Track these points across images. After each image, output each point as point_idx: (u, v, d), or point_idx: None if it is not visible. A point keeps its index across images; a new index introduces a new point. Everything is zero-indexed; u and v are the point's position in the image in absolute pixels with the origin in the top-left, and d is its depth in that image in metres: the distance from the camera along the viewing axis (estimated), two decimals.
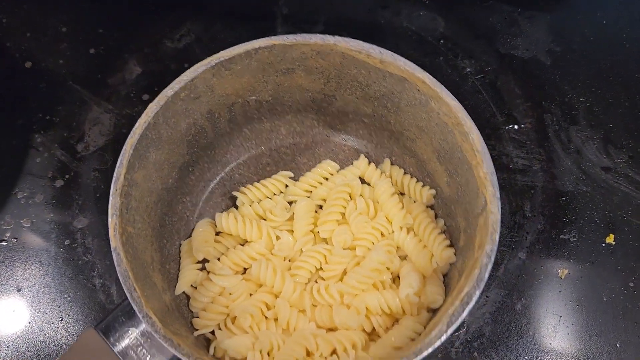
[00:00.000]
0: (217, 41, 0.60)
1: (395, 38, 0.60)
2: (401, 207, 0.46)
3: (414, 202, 0.47)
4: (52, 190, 0.52)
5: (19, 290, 0.48)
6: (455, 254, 0.43)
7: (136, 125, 0.38)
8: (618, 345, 0.46)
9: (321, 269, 0.45)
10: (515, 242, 0.49)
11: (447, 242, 0.44)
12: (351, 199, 0.47)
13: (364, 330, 0.42)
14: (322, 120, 0.51)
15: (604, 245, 0.49)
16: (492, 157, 0.50)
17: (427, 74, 0.40)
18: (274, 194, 0.49)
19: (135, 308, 0.34)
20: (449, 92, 0.39)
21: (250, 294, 0.44)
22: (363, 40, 0.55)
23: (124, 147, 0.38)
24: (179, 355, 0.34)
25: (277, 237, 0.46)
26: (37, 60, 0.58)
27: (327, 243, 0.47)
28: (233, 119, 0.48)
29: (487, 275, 0.34)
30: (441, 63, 0.58)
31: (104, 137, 0.54)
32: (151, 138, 0.40)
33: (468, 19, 0.61)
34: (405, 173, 0.49)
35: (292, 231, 0.46)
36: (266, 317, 0.43)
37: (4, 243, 0.50)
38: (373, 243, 0.45)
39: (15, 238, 0.50)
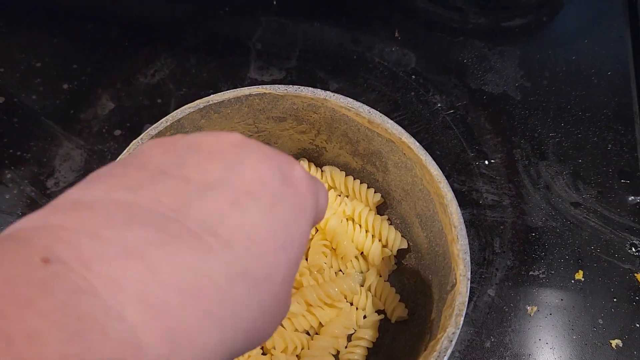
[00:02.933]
0: (190, 76, 0.60)
1: (368, 73, 0.60)
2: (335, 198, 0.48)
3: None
4: None
5: None
6: (425, 326, 0.42)
7: (115, 162, 0.38)
8: None
9: None
10: (484, 279, 0.49)
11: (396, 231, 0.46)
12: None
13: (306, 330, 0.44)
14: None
15: (573, 281, 0.49)
16: (462, 192, 0.52)
17: (414, 139, 0.40)
18: None
19: None
20: (433, 160, 0.40)
21: None
22: (335, 77, 0.56)
23: None
24: None
25: None
26: (10, 95, 0.58)
27: None
28: None
29: (445, 359, 0.33)
30: (412, 98, 0.58)
31: (74, 172, 0.54)
32: None
33: (439, 54, 0.62)
34: (347, 175, 0.49)
35: None
36: None
37: None
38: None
39: None
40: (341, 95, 0.42)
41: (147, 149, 0.20)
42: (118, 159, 0.39)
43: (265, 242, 0.18)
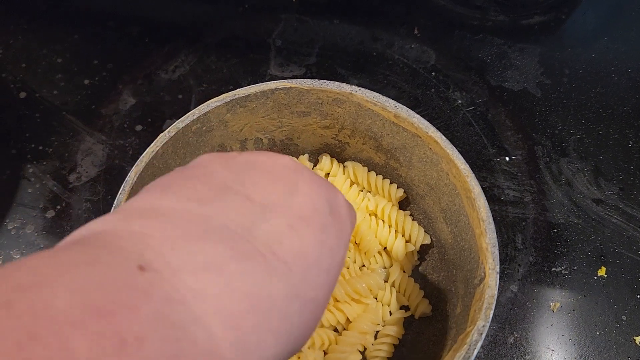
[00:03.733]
0: (211, 72, 0.60)
1: (388, 69, 0.60)
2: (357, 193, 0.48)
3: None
4: (43, 221, 0.52)
5: None
6: (449, 321, 0.43)
7: (143, 154, 0.38)
8: None
9: None
10: (507, 275, 0.49)
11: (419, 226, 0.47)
12: None
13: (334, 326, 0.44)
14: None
15: (595, 277, 0.49)
16: (483, 189, 0.51)
17: (440, 133, 0.40)
18: None
19: None
20: (459, 154, 0.39)
21: None
22: (355, 73, 0.56)
23: (129, 175, 0.37)
24: None
25: None
26: (32, 90, 0.59)
27: None
28: None
29: (475, 353, 0.33)
30: (433, 95, 0.58)
31: (96, 167, 0.54)
32: (157, 167, 0.40)
33: (459, 51, 0.62)
34: (369, 171, 0.49)
35: None
36: None
37: None
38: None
39: None
40: (367, 90, 0.42)
41: (209, 162, 0.22)
42: (144, 153, 0.39)
43: (315, 265, 0.19)
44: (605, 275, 0.49)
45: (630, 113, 0.57)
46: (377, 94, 0.42)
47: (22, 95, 0.59)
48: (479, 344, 0.34)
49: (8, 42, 0.61)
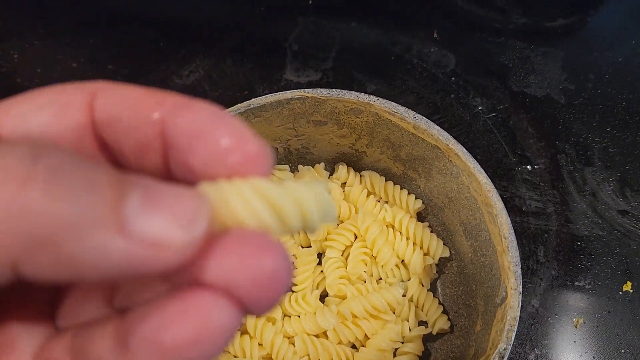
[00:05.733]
0: (226, 77, 0.59)
1: (406, 74, 0.59)
2: (375, 204, 0.47)
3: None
4: None
5: None
6: (469, 338, 0.41)
7: None
8: None
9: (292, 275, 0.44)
10: (528, 289, 0.48)
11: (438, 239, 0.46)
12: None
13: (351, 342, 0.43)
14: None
15: (621, 293, 0.48)
16: (504, 199, 0.50)
17: (461, 146, 0.39)
18: None
19: None
20: (481, 168, 0.38)
21: None
22: (372, 78, 0.55)
23: None
24: None
25: None
26: None
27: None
28: None
29: None
30: (452, 101, 0.57)
31: None
32: None
33: (480, 55, 0.60)
34: (387, 181, 0.49)
35: None
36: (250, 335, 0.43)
37: None
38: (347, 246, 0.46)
39: None
40: (385, 100, 0.41)
41: None
42: None
43: None
44: (631, 291, 0.48)
45: None
46: (396, 104, 0.41)
47: None
48: None
49: (24, 46, 0.61)
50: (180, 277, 0.13)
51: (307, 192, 0.13)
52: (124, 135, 0.14)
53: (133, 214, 0.11)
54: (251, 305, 0.12)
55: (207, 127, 0.13)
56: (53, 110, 0.15)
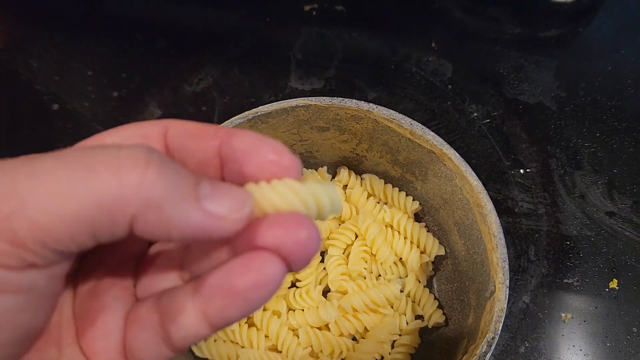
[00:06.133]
0: (233, 84, 0.62)
1: (405, 82, 0.62)
2: (374, 205, 0.50)
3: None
4: None
5: None
6: (462, 331, 0.44)
7: None
8: None
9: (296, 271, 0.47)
10: (519, 286, 0.50)
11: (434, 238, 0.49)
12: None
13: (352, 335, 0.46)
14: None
15: (607, 290, 0.50)
16: (497, 200, 0.53)
17: (454, 151, 0.42)
18: None
19: None
20: (473, 171, 0.41)
21: None
22: (373, 85, 0.57)
23: None
24: None
25: None
26: (64, 102, 0.62)
27: None
28: None
29: None
30: (449, 108, 0.60)
31: None
32: None
33: (475, 64, 0.63)
34: (386, 183, 0.51)
35: None
36: (257, 328, 0.45)
37: None
38: (347, 244, 0.49)
39: None
40: (384, 107, 0.44)
41: None
42: None
43: None
44: (617, 288, 0.50)
45: None
46: (394, 111, 0.44)
47: (55, 106, 0.61)
48: (488, 355, 0.36)
49: (42, 55, 0.64)
50: (239, 247, 0.18)
51: (322, 189, 0.18)
52: (189, 156, 0.20)
53: (206, 195, 0.17)
54: (293, 261, 0.17)
55: (256, 146, 0.19)
56: (136, 140, 0.20)
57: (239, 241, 0.18)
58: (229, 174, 0.20)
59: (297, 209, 0.18)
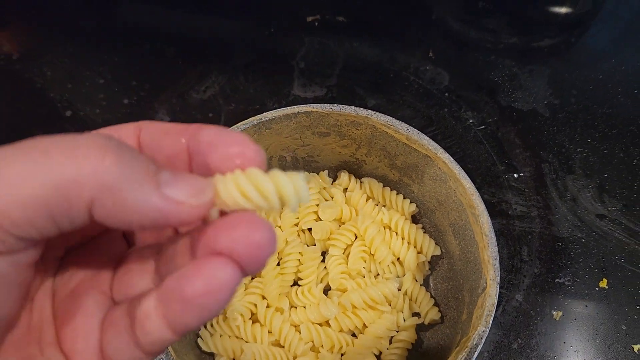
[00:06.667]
0: (239, 92, 0.65)
1: (403, 90, 0.64)
2: (373, 207, 0.52)
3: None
4: None
5: None
6: (456, 327, 0.46)
7: None
8: None
9: (299, 270, 0.50)
10: (512, 285, 0.52)
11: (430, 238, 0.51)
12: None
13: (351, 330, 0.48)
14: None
15: (597, 289, 0.52)
16: (492, 203, 0.55)
17: (448, 155, 0.44)
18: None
19: None
20: (466, 174, 0.44)
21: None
22: (372, 93, 0.60)
23: None
24: None
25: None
26: (77, 109, 0.64)
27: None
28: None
29: (475, 355, 0.37)
30: (446, 114, 0.62)
31: None
32: None
33: (472, 73, 0.66)
34: (384, 187, 0.53)
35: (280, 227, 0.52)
36: (260, 324, 0.47)
37: None
38: (347, 245, 0.51)
39: None
40: (381, 114, 0.46)
41: None
42: None
43: None
44: (607, 287, 0.52)
45: (635, 132, 0.60)
46: (391, 117, 0.46)
47: (68, 113, 0.64)
48: (479, 347, 0.38)
49: (55, 64, 0.67)
50: (198, 250, 0.18)
51: (285, 178, 0.18)
52: (159, 152, 0.20)
53: (165, 181, 0.17)
54: (247, 265, 0.17)
55: (219, 139, 0.19)
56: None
57: (198, 244, 0.18)
58: (197, 168, 0.20)
59: (255, 200, 0.18)
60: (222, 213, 0.19)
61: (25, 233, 0.16)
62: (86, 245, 0.22)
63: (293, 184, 0.18)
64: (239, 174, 0.18)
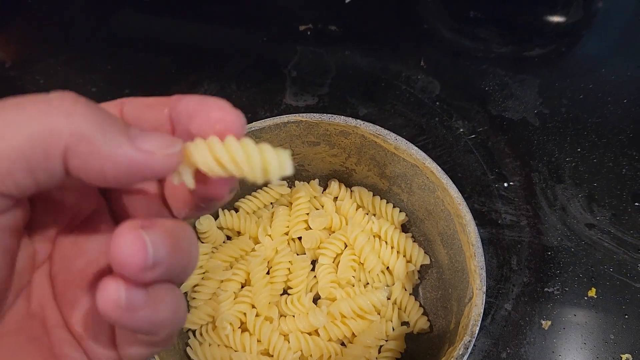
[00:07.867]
0: (231, 100, 0.64)
1: (395, 99, 0.65)
2: (363, 216, 0.53)
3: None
4: None
5: None
6: (444, 336, 0.46)
7: None
8: None
9: (289, 279, 0.50)
10: (502, 294, 0.53)
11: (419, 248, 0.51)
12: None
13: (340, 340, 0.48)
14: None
15: (586, 298, 0.52)
16: (482, 212, 0.55)
17: (436, 164, 0.45)
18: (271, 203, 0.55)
19: None
20: (453, 184, 0.44)
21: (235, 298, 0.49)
22: (364, 102, 0.60)
23: None
24: None
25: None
26: None
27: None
28: None
29: None
30: (436, 124, 0.63)
31: None
32: None
33: (463, 82, 0.66)
34: (374, 196, 0.54)
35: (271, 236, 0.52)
36: (250, 333, 0.47)
37: None
38: (337, 254, 0.51)
39: None
40: (370, 123, 0.47)
41: None
42: None
43: None
44: (595, 296, 0.52)
45: (625, 142, 0.61)
46: (380, 127, 0.46)
47: None
48: (465, 357, 0.38)
49: (48, 72, 0.67)
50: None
51: (257, 147, 0.18)
52: (142, 124, 0.21)
53: (136, 134, 0.18)
54: (126, 278, 0.18)
55: (200, 105, 0.20)
56: None
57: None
58: (181, 134, 0.20)
59: (226, 163, 0.18)
60: (198, 180, 0.20)
61: (5, 188, 0.16)
62: (78, 227, 0.23)
63: (264, 151, 0.18)
64: (213, 138, 0.19)
